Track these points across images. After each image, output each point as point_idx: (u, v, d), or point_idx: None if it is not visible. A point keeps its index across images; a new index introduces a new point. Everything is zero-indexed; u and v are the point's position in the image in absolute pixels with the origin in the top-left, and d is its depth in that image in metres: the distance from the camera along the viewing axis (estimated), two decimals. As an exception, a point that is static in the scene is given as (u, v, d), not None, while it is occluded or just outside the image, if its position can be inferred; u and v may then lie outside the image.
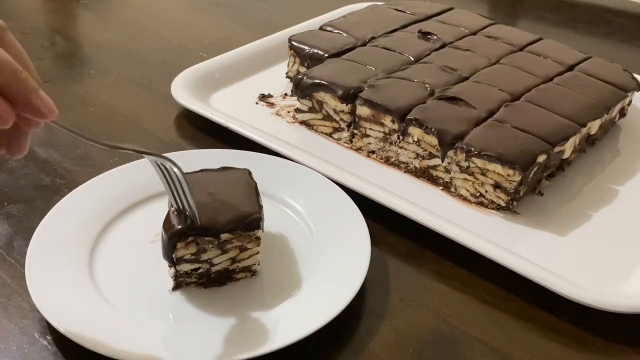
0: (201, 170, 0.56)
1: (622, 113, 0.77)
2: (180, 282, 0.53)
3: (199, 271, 0.52)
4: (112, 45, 0.95)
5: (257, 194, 0.55)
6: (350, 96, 0.70)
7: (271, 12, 1.09)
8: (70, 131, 0.43)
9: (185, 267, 0.52)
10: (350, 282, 0.52)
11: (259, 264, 0.54)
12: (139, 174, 0.63)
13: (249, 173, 0.57)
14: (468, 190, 0.64)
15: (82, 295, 0.51)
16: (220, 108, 0.76)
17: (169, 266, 0.52)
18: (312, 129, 0.75)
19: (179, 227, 0.50)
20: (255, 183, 0.56)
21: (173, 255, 0.51)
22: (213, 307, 0.52)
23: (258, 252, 0.54)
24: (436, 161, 0.66)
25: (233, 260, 0.53)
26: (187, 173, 0.56)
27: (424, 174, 0.68)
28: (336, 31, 0.83)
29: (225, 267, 0.53)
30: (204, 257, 0.52)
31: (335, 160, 0.67)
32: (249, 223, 0.52)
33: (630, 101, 0.78)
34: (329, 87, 0.71)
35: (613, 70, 0.78)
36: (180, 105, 0.77)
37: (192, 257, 0.52)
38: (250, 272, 0.54)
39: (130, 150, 0.46)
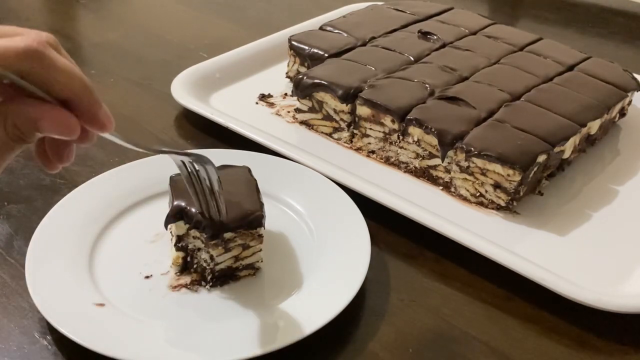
0: None
1: (622, 113, 0.77)
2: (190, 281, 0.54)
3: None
4: (112, 45, 0.95)
5: (258, 191, 0.55)
6: (350, 96, 0.70)
7: (271, 12, 1.09)
8: (123, 141, 0.43)
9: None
10: (350, 282, 0.52)
11: (261, 261, 0.55)
12: (139, 174, 0.63)
13: (249, 170, 0.57)
14: (468, 190, 0.64)
15: (82, 295, 0.51)
16: (220, 108, 0.76)
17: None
18: (312, 129, 0.75)
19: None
20: (255, 180, 0.56)
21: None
22: (213, 306, 0.52)
23: (261, 250, 0.54)
24: (436, 161, 0.66)
25: (236, 258, 0.53)
26: None
27: (424, 174, 0.68)
28: (336, 31, 0.83)
29: (229, 265, 0.53)
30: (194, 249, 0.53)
31: (335, 160, 0.67)
32: (251, 221, 0.52)
33: (630, 101, 0.78)
34: (329, 87, 0.71)
35: (613, 70, 0.78)
36: (180, 105, 0.77)
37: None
38: (253, 269, 0.54)
39: (169, 152, 0.46)
